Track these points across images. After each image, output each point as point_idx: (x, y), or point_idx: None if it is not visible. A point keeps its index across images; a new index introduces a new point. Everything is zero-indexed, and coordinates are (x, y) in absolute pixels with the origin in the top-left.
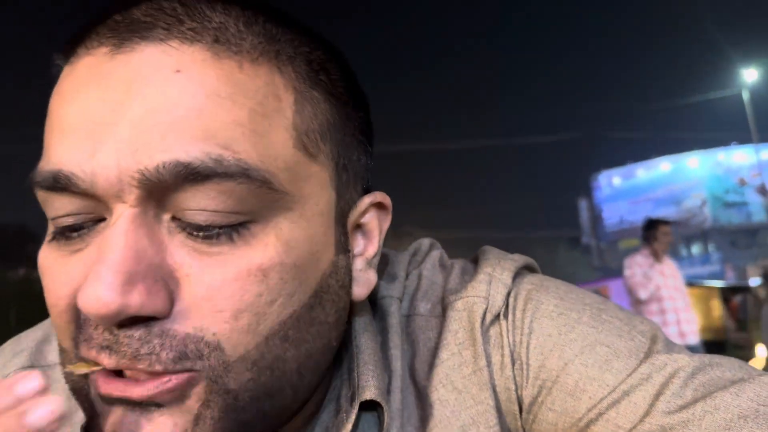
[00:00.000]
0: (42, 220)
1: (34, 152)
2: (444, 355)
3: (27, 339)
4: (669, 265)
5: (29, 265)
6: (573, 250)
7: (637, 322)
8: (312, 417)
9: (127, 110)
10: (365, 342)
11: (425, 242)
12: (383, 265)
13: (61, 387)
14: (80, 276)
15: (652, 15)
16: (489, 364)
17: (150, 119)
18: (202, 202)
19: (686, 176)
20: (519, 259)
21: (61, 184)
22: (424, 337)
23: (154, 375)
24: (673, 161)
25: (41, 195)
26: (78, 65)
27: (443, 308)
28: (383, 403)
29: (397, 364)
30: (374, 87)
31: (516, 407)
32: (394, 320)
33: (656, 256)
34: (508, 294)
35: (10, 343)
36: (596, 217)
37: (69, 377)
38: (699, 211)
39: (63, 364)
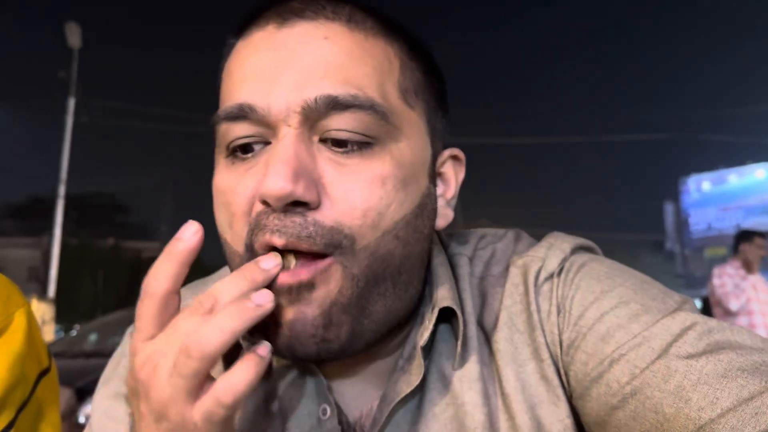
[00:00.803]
0: (130, 192)
1: (124, 126)
2: (507, 302)
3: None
4: (760, 279)
5: (117, 234)
6: (655, 255)
7: (674, 293)
8: (406, 338)
9: (293, 63)
10: (441, 272)
11: (510, 231)
12: (458, 234)
13: None
14: (254, 184)
15: (757, 15)
16: (539, 311)
17: (309, 68)
18: (342, 125)
19: None
20: (581, 239)
21: (243, 112)
22: (492, 292)
23: (311, 258)
24: None
25: (223, 127)
26: (252, 37)
27: (508, 266)
28: (457, 309)
29: (468, 303)
30: (466, 80)
31: (558, 349)
32: (464, 271)
33: (748, 268)
34: (564, 260)
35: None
36: (682, 223)
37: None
38: None
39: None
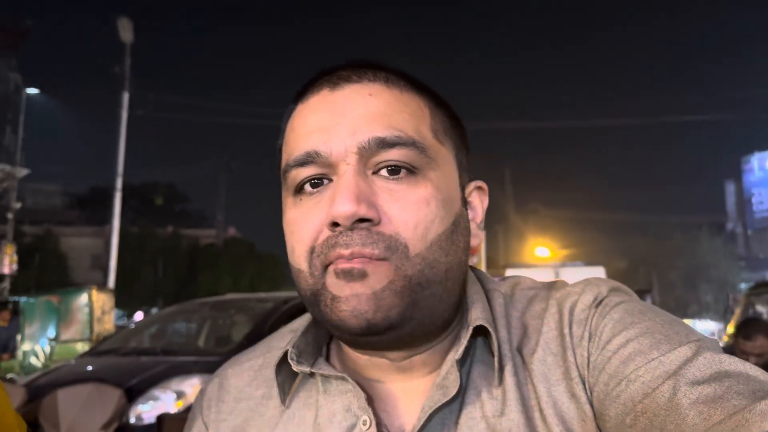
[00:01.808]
0: (187, 180)
1: (181, 119)
2: (545, 329)
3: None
4: None
5: (176, 223)
6: (716, 237)
7: (699, 333)
8: (443, 358)
9: (346, 116)
10: (476, 298)
11: (548, 282)
12: (492, 278)
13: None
14: (323, 214)
15: None
16: (571, 335)
17: (359, 118)
18: (390, 158)
19: None
20: (617, 283)
21: (310, 158)
22: (533, 323)
23: (370, 260)
24: None
25: (293, 172)
26: (310, 101)
27: (548, 301)
28: (490, 329)
29: (503, 330)
30: (519, 62)
31: (586, 371)
32: (498, 303)
33: None
34: (601, 294)
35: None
36: (745, 202)
37: (311, 283)
38: None
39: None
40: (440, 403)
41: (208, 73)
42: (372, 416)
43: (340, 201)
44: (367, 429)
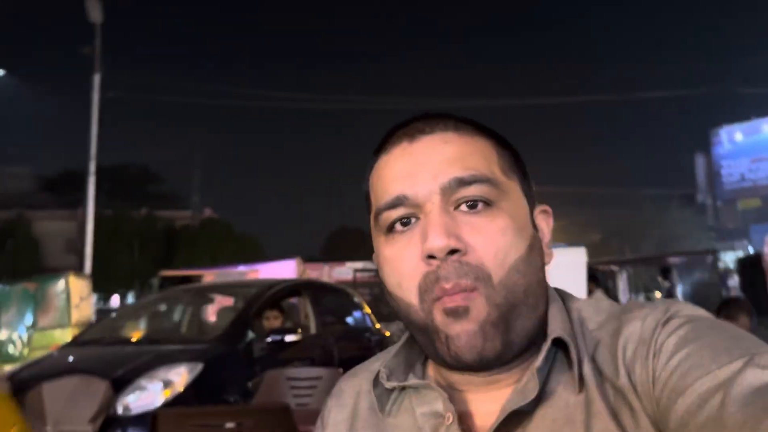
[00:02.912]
0: (163, 162)
1: (153, 100)
2: (613, 345)
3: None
4: None
5: (150, 205)
6: (686, 208)
7: (765, 346)
8: (525, 369)
9: (427, 162)
10: (556, 313)
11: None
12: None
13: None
14: (417, 250)
15: None
16: (637, 354)
17: (439, 163)
18: (470, 194)
19: None
20: (699, 310)
21: (399, 201)
22: (606, 339)
23: (464, 292)
24: None
25: (384, 215)
26: (393, 152)
27: (618, 320)
28: (569, 341)
29: (582, 343)
30: (485, 39)
31: (651, 387)
32: (575, 316)
33: None
34: (669, 311)
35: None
36: (714, 175)
37: (422, 316)
38: None
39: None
40: (518, 405)
41: (183, 52)
42: (454, 413)
43: (432, 236)
44: (450, 424)
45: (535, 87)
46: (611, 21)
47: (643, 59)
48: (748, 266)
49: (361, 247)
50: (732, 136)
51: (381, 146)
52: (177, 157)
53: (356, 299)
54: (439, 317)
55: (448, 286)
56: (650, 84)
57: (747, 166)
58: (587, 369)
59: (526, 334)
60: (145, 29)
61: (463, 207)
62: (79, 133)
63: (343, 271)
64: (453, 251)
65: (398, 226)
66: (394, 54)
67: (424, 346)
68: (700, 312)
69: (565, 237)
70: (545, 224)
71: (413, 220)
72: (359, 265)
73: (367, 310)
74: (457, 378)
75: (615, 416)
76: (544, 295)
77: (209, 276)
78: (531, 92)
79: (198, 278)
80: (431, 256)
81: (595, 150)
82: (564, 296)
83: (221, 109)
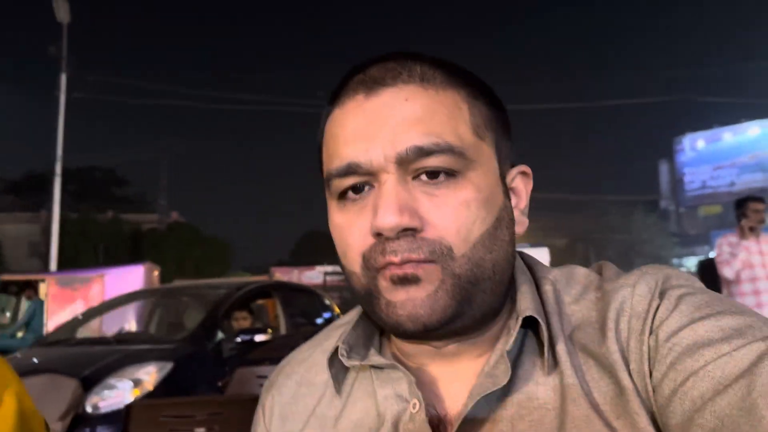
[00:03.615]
0: (129, 165)
1: (120, 101)
2: (599, 319)
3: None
4: (766, 241)
5: (116, 208)
6: (650, 215)
7: None
8: (492, 347)
9: (383, 124)
10: (525, 289)
11: (596, 264)
12: (544, 266)
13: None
14: (367, 223)
15: None
16: (630, 329)
17: (397, 126)
18: (430, 164)
19: None
20: (674, 270)
21: (351, 169)
22: (586, 313)
23: (420, 263)
24: (763, 126)
25: (336, 182)
26: (346, 107)
27: (601, 292)
28: (540, 319)
29: (555, 319)
30: (450, 43)
31: (646, 365)
32: (548, 288)
33: (742, 234)
34: (659, 285)
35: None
36: (677, 182)
37: (364, 283)
38: None
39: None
40: (488, 390)
41: (150, 54)
42: (421, 400)
43: (382, 213)
44: (416, 412)
45: (501, 92)
46: (578, 28)
47: (609, 67)
48: (706, 269)
49: (331, 251)
50: (694, 144)
51: (335, 96)
52: (144, 160)
53: (326, 301)
54: (383, 283)
55: (396, 258)
56: (616, 92)
57: (709, 174)
58: (562, 349)
59: (486, 309)
60: (112, 29)
61: (423, 177)
62: (44, 134)
63: (313, 275)
64: (406, 229)
65: (350, 194)
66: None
67: (368, 311)
68: (694, 281)
69: (530, 240)
70: (523, 187)
71: (366, 188)
72: (329, 268)
73: (338, 311)
74: (410, 349)
75: (595, 400)
76: (511, 269)
77: (51, 280)
78: (500, 96)
79: (37, 283)
80: (380, 234)
81: (561, 155)
82: (533, 266)
83: (190, 112)
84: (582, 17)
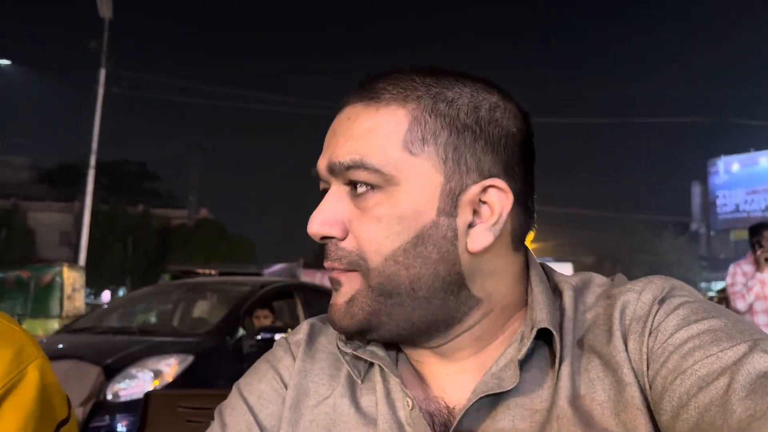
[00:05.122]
0: (161, 161)
1: (155, 98)
2: (605, 323)
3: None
4: None
5: (146, 202)
6: (680, 236)
7: (764, 332)
8: (502, 350)
9: (331, 139)
10: (541, 298)
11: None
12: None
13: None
14: None
15: None
16: (629, 332)
17: (336, 142)
18: (353, 178)
19: None
20: (677, 281)
21: (315, 174)
22: (596, 319)
23: (342, 271)
24: None
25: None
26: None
27: (609, 297)
28: (555, 332)
29: (569, 326)
30: (489, 57)
31: (644, 366)
32: (568, 295)
33: (757, 264)
34: (662, 292)
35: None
36: (709, 204)
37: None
38: None
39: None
40: (493, 392)
41: (186, 51)
42: (411, 397)
43: (310, 221)
44: (411, 410)
45: (533, 105)
46: (613, 45)
47: (645, 84)
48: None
49: None
50: (729, 167)
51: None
52: (176, 156)
53: None
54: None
55: (326, 263)
56: (651, 109)
57: (743, 198)
58: (571, 355)
59: (417, 322)
60: (152, 27)
61: (352, 189)
62: (81, 126)
63: None
64: (328, 237)
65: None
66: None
67: None
68: (697, 294)
69: (556, 255)
70: (495, 201)
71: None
72: None
73: None
74: (403, 345)
75: (598, 399)
76: (453, 285)
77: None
78: (529, 110)
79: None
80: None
81: (591, 172)
82: (552, 274)
83: (224, 110)
84: (622, 33)
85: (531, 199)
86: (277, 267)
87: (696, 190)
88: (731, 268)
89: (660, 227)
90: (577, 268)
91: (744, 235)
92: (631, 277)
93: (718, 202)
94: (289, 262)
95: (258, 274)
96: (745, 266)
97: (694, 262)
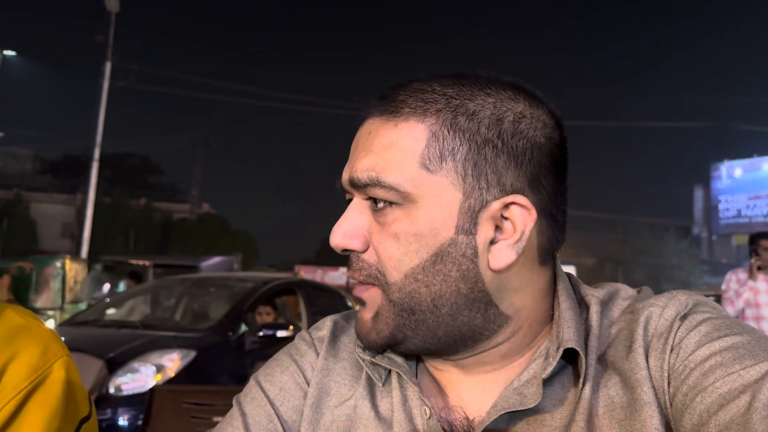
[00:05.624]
0: (163, 153)
1: (159, 91)
2: (626, 338)
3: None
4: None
5: (149, 195)
6: (682, 239)
7: None
8: (525, 365)
9: (353, 152)
10: (568, 315)
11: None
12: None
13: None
14: None
15: None
16: (651, 347)
17: (357, 158)
18: (372, 194)
19: None
20: (701, 297)
21: (340, 187)
22: (619, 333)
23: (363, 284)
24: None
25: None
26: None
27: (632, 311)
28: (581, 352)
29: (594, 342)
30: (495, 63)
31: (665, 383)
32: (594, 310)
33: (751, 273)
34: (686, 308)
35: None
36: (711, 208)
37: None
38: None
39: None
40: (514, 408)
41: (192, 46)
42: (429, 406)
43: (332, 233)
44: (428, 419)
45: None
46: (617, 47)
47: (650, 88)
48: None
49: None
50: (732, 172)
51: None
52: (179, 150)
53: (349, 302)
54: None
55: (348, 272)
56: (655, 113)
57: (745, 203)
58: (592, 372)
59: (443, 337)
60: (157, 21)
61: (373, 204)
62: (85, 118)
63: (337, 276)
64: (349, 250)
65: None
66: (412, 60)
67: None
68: (721, 310)
69: (558, 257)
70: (518, 218)
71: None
72: None
73: None
74: (424, 356)
75: (617, 416)
76: (476, 305)
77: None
78: None
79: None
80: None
81: (594, 175)
82: (579, 287)
83: (228, 106)
84: (626, 36)
85: (561, 211)
86: (216, 260)
87: (698, 194)
88: (728, 275)
89: (662, 230)
90: (579, 270)
91: (745, 239)
92: (633, 280)
93: (721, 206)
94: (229, 255)
95: (195, 267)
96: (741, 274)
97: (695, 266)
